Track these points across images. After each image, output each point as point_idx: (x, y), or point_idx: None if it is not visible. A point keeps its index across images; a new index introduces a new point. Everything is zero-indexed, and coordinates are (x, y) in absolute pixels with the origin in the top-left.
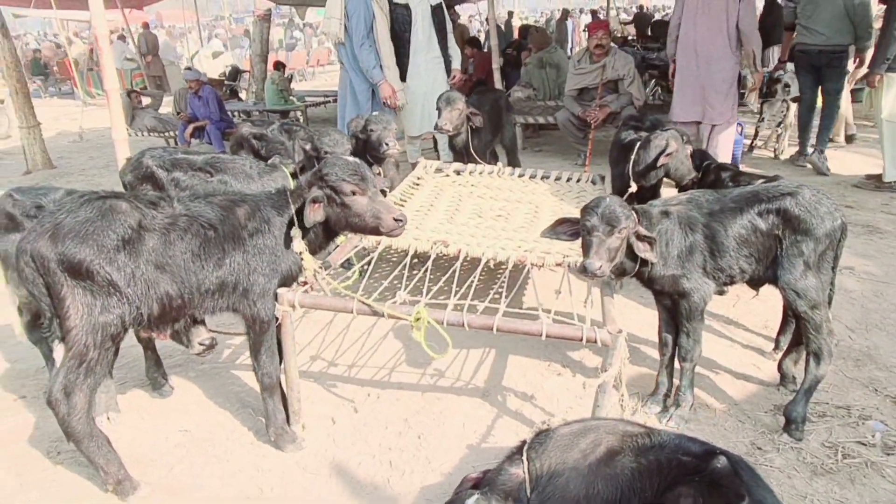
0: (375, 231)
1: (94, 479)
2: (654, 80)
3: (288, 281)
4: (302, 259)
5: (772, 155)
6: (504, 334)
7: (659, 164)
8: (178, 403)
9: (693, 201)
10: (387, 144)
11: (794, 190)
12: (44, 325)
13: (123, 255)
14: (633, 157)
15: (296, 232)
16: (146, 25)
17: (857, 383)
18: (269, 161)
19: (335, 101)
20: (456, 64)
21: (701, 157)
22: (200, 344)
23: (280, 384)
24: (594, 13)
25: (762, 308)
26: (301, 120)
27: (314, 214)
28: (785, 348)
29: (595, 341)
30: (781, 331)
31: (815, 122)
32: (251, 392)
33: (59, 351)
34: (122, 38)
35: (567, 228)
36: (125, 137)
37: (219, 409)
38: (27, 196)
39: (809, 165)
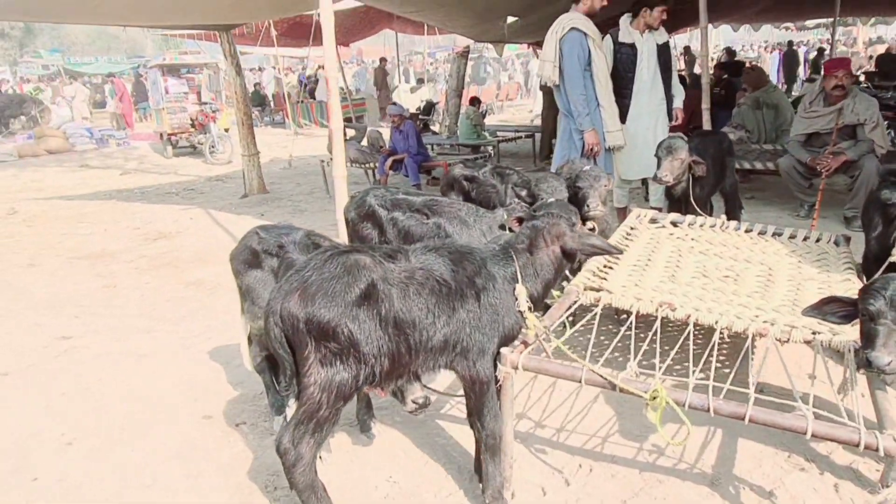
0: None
1: None
2: (887, 123)
3: (507, 341)
4: (524, 318)
5: None
6: None
7: None
8: (385, 449)
9: None
10: (588, 206)
11: None
12: (282, 384)
13: (365, 312)
14: None
15: (520, 289)
16: (383, 60)
17: None
18: (506, 208)
19: (526, 136)
20: (678, 102)
21: None
22: (414, 402)
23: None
24: (821, 51)
25: None
26: (492, 154)
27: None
28: None
29: (876, 449)
30: None
31: None
32: (457, 447)
33: (291, 408)
34: None
35: (838, 309)
36: (345, 174)
37: (426, 461)
38: (271, 234)
39: None
